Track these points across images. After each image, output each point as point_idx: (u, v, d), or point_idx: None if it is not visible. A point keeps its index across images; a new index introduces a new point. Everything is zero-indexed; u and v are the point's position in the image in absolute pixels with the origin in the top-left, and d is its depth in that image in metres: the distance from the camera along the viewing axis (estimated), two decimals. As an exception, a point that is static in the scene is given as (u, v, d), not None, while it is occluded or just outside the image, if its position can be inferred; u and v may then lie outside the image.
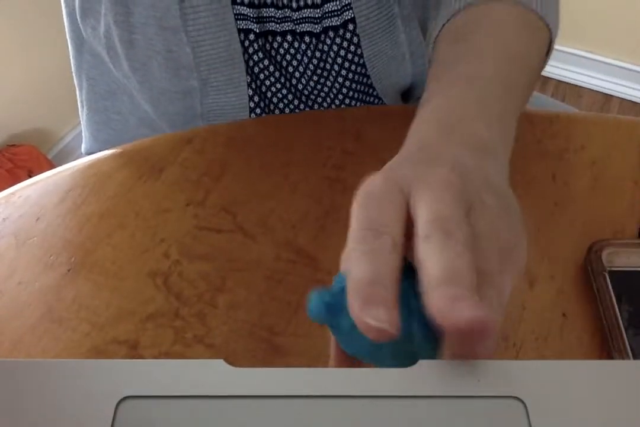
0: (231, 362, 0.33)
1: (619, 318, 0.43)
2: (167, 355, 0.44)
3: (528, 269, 0.49)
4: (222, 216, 0.53)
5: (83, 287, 0.48)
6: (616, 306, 0.44)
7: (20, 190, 0.55)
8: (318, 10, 0.62)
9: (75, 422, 0.32)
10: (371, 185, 0.33)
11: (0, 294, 0.47)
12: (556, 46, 0.53)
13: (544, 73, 0.59)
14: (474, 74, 0.43)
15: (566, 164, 0.57)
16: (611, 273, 0.46)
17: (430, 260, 0.29)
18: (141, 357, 0.44)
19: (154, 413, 0.32)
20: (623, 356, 0.41)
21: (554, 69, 2.01)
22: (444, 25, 0.51)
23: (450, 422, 0.32)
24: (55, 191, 0.55)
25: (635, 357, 0.42)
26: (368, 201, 0.32)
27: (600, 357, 0.44)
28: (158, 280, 0.48)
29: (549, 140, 0.59)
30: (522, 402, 0.32)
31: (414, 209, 0.31)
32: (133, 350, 0.44)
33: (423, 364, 0.32)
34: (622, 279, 0.45)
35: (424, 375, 0.32)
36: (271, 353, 0.45)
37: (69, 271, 0.49)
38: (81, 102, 0.75)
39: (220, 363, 0.33)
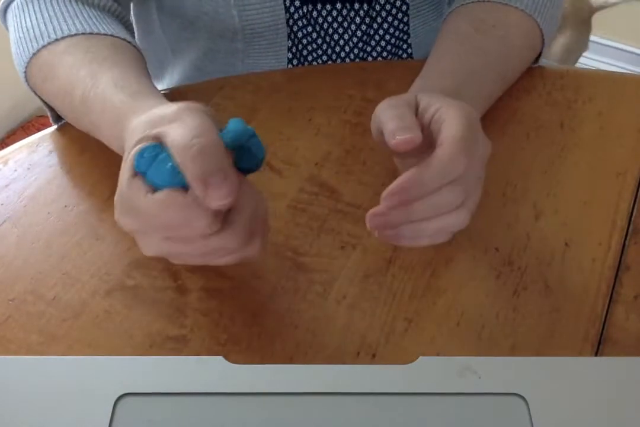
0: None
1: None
2: (202, 268, 0.48)
3: (534, 203, 0.53)
4: (250, 154, 0.57)
5: (123, 210, 0.52)
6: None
7: (65, 129, 0.59)
8: None
9: (74, 419, 0.32)
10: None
11: (48, 214, 0.52)
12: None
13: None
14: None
15: (574, 113, 0.61)
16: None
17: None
18: (178, 270, 0.48)
19: (153, 410, 0.32)
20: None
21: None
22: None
23: (452, 419, 0.32)
24: (96, 129, 0.59)
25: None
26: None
27: (600, 278, 0.48)
28: (192, 206, 0.53)
29: (559, 92, 0.62)
30: (524, 399, 0.32)
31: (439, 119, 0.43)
32: (171, 264, 0.49)
33: (425, 362, 0.33)
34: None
35: (425, 372, 0.33)
36: (295, 270, 0.49)
37: (109, 197, 0.53)
38: None
39: (219, 360, 0.33)
